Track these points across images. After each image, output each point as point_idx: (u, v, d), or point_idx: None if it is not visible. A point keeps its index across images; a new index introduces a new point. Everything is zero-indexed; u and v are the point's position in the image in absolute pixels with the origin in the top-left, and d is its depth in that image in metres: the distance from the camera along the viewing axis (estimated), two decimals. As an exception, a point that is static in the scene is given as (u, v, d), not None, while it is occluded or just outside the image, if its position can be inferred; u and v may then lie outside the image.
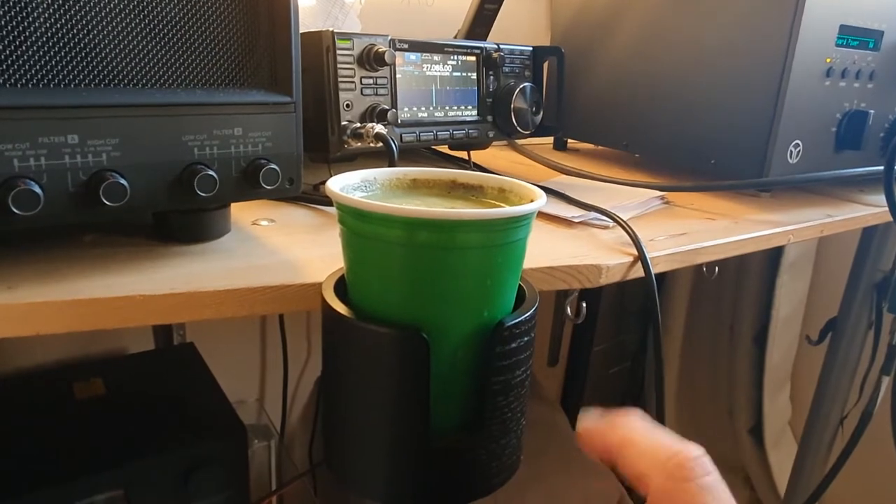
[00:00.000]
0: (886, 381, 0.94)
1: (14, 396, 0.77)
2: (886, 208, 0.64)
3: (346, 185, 0.36)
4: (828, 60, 0.66)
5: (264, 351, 1.08)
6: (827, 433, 1.08)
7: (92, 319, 0.37)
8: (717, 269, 0.63)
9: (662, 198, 0.70)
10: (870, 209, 0.74)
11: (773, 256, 1.26)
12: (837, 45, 0.67)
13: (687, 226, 0.62)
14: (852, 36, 0.67)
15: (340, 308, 0.34)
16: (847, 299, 1.01)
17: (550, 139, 1.02)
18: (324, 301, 0.35)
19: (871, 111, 0.70)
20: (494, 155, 0.92)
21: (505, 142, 0.95)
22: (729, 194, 0.75)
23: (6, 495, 0.60)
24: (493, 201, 0.39)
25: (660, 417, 0.56)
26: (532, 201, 0.34)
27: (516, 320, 0.34)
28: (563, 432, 1.23)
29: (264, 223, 0.54)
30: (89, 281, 0.39)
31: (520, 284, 0.38)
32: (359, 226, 0.33)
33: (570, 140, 1.01)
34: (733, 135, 0.70)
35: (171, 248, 0.46)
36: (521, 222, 0.33)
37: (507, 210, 0.32)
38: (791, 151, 0.68)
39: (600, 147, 1.00)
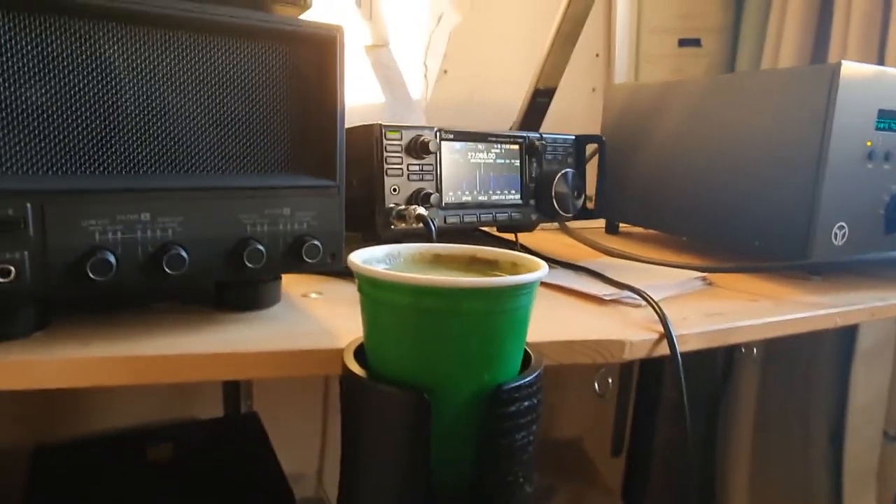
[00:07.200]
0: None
1: (93, 456, 0.84)
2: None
3: (370, 257, 0.41)
4: (868, 144, 0.67)
5: (325, 424, 1.12)
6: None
7: (146, 374, 0.43)
8: (755, 350, 0.62)
9: (705, 279, 0.71)
10: (930, 294, 0.71)
11: (845, 344, 1.20)
12: (878, 129, 0.67)
13: (725, 306, 0.62)
14: (893, 119, 0.68)
15: (355, 368, 0.37)
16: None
17: (603, 222, 1.04)
18: (343, 362, 0.39)
19: (922, 193, 0.70)
20: (544, 238, 0.95)
21: (557, 225, 0.99)
22: (777, 277, 0.75)
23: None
24: (505, 274, 0.42)
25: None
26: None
27: (515, 384, 0.36)
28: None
29: (313, 295, 0.59)
30: (153, 341, 0.45)
31: (526, 351, 0.40)
32: (374, 293, 0.37)
33: (622, 224, 1.03)
34: (775, 218, 0.71)
35: (227, 315, 0.52)
36: (520, 291, 0.36)
37: (504, 280, 0.35)
38: (836, 234, 0.68)
39: (651, 231, 1.02)
